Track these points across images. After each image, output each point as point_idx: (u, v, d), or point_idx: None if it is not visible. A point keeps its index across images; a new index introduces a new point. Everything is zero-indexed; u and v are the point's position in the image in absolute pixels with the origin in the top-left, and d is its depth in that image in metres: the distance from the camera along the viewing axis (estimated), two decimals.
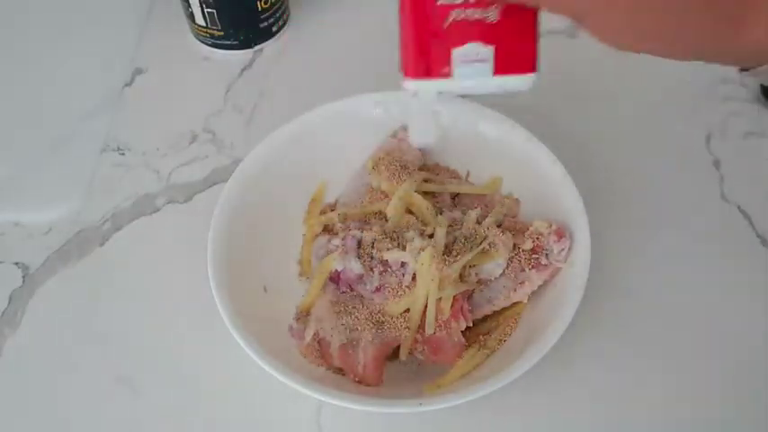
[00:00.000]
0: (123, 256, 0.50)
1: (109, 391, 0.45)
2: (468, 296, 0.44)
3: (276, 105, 0.58)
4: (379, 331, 0.43)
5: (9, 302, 0.48)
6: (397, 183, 0.47)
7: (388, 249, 0.43)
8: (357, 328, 0.42)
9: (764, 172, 0.52)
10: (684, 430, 0.43)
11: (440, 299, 0.42)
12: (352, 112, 0.50)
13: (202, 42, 0.61)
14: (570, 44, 0.60)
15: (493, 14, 0.34)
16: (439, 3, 0.34)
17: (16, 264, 0.50)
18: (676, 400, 0.43)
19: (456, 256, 0.43)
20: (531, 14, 0.35)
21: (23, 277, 0.49)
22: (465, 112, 0.49)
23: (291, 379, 0.39)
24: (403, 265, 0.43)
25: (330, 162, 0.50)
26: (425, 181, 0.48)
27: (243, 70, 0.60)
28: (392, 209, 0.46)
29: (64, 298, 0.49)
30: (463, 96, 0.46)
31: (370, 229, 0.45)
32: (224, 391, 0.44)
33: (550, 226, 0.44)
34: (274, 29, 0.61)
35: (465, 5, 0.34)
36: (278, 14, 0.61)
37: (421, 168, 0.50)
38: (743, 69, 0.36)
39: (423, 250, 0.42)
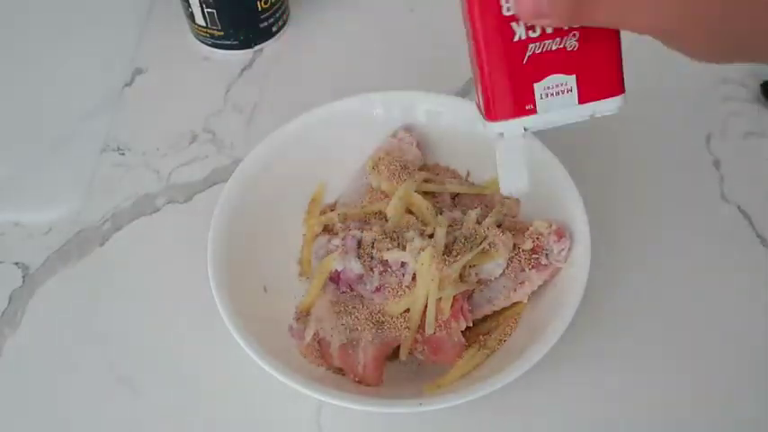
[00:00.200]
0: (123, 256, 0.50)
1: (109, 391, 0.45)
2: (468, 296, 0.44)
3: (276, 105, 0.58)
4: (379, 331, 0.43)
5: (9, 302, 0.48)
6: (397, 183, 0.47)
7: (388, 249, 0.43)
8: (357, 328, 0.42)
9: (764, 172, 0.52)
10: (684, 430, 0.43)
11: (440, 299, 0.42)
12: (352, 112, 0.50)
13: (202, 42, 0.61)
14: None
15: (572, 42, 0.33)
16: (515, 39, 0.32)
17: (16, 264, 0.50)
18: (676, 400, 0.43)
19: (456, 256, 0.43)
20: (612, 37, 0.33)
21: (23, 277, 0.49)
22: (465, 112, 0.49)
23: (291, 379, 0.39)
24: (403, 265, 0.43)
25: (330, 162, 0.50)
26: (425, 181, 0.48)
27: (243, 70, 0.60)
28: (392, 209, 0.46)
29: (64, 298, 0.49)
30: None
31: (370, 229, 0.45)
32: (224, 391, 0.44)
33: (550, 226, 0.44)
34: (274, 29, 0.61)
35: (542, 38, 0.33)
36: (278, 14, 0.61)
37: (421, 168, 0.50)
38: None
39: (423, 250, 0.42)
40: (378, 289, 0.43)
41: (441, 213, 0.46)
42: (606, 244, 0.45)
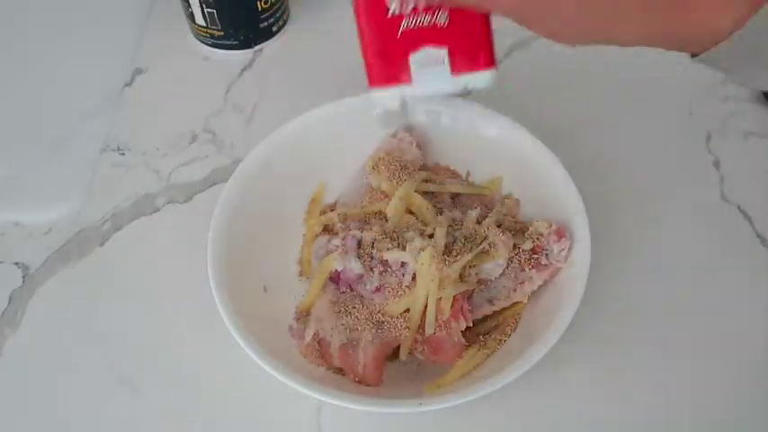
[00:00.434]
0: (123, 256, 0.50)
1: (109, 391, 0.45)
2: (468, 296, 0.44)
3: (276, 105, 0.58)
4: (379, 331, 0.43)
5: (9, 302, 0.48)
6: (397, 183, 0.47)
7: (388, 249, 0.43)
8: (357, 328, 0.42)
9: (764, 172, 0.52)
10: (684, 430, 0.43)
11: (440, 299, 0.42)
12: (352, 112, 0.50)
13: (202, 42, 0.61)
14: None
15: (442, 18, 0.36)
16: (389, 15, 0.36)
17: (16, 264, 0.50)
18: (676, 400, 0.43)
19: (456, 256, 0.43)
20: (481, 14, 0.36)
21: (23, 277, 0.49)
22: (465, 111, 0.49)
23: (291, 379, 0.39)
24: (403, 265, 0.43)
25: (330, 162, 0.50)
26: (425, 181, 0.48)
27: (243, 70, 0.60)
28: (392, 209, 0.46)
29: (64, 298, 0.49)
30: (463, 96, 0.47)
31: (370, 229, 0.45)
32: (224, 391, 0.44)
33: (550, 226, 0.44)
34: (274, 29, 0.61)
35: (414, 13, 0.36)
36: (278, 14, 0.61)
37: (421, 168, 0.50)
38: (693, 55, 0.36)
39: (423, 250, 0.42)
40: (378, 289, 0.43)
41: (441, 213, 0.46)
42: (606, 244, 0.45)
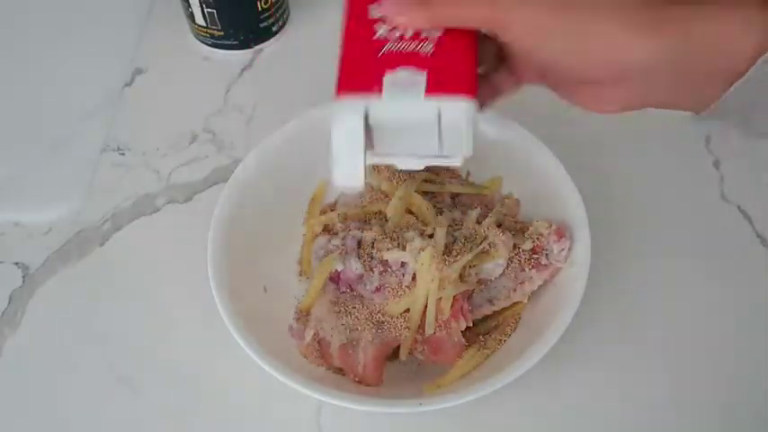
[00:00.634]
0: (123, 256, 0.50)
1: (109, 391, 0.45)
2: (468, 296, 0.44)
3: (276, 105, 0.58)
4: (379, 331, 0.43)
5: (9, 302, 0.48)
6: (397, 183, 0.47)
7: (388, 249, 0.43)
8: (357, 328, 0.42)
9: (764, 172, 0.52)
10: (684, 430, 0.43)
11: (440, 299, 0.42)
12: None
13: (202, 42, 0.61)
14: None
15: (428, 47, 0.35)
16: (375, 37, 0.35)
17: (16, 264, 0.50)
18: (676, 400, 0.43)
19: (456, 256, 0.43)
20: (469, 42, 0.35)
21: (23, 277, 0.49)
22: None
23: (291, 379, 0.39)
24: (403, 265, 0.43)
25: (330, 162, 0.50)
26: (425, 181, 0.48)
27: (243, 70, 0.60)
28: (392, 209, 0.46)
29: (64, 298, 0.49)
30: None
31: (370, 229, 0.45)
32: (224, 391, 0.44)
33: (550, 226, 0.44)
34: (274, 29, 0.61)
35: (400, 40, 0.35)
36: (278, 14, 0.61)
37: None
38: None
39: (423, 250, 0.42)
40: (378, 289, 0.43)
41: (441, 213, 0.46)
42: (606, 244, 0.45)
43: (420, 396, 0.40)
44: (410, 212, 0.47)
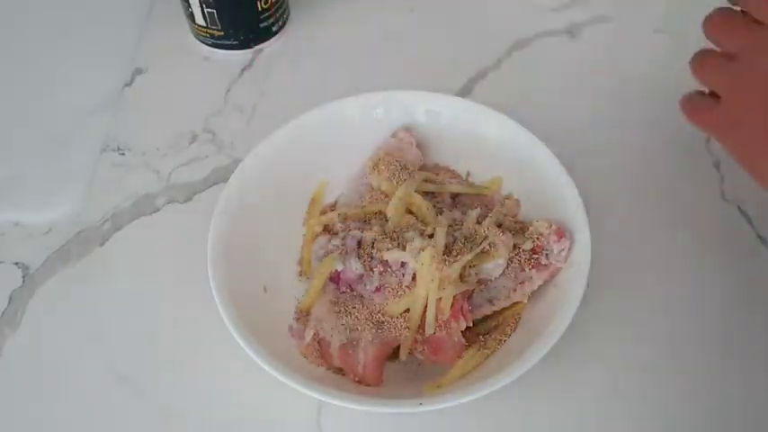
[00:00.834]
0: (123, 257, 0.50)
1: (109, 390, 0.45)
2: (468, 296, 0.44)
3: (276, 105, 0.58)
4: (379, 331, 0.43)
5: (9, 302, 0.48)
6: (397, 183, 0.47)
7: (388, 249, 0.43)
8: (357, 328, 0.43)
9: None
10: (685, 430, 0.43)
11: (440, 299, 0.42)
12: (352, 112, 0.50)
13: (202, 42, 0.61)
14: (570, 44, 0.60)
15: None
16: None
17: (16, 264, 0.50)
18: (676, 400, 0.43)
19: (456, 256, 0.43)
20: None
21: (23, 277, 0.49)
22: (465, 111, 0.49)
23: (291, 379, 0.39)
24: (403, 265, 0.43)
25: (330, 162, 0.50)
26: (425, 181, 0.48)
27: (243, 70, 0.61)
28: (392, 209, 0.46)
29: (64, 298, 0.49)
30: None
31: (370, 229, 0.45)
32: (224, 391, 0.44)
33: (550, 226, 0.44)
34: (274, 29, 0.61)
35: None
36: (278, 14, 0.61)
37: (421, 168, 0.50)
38: None
39: (423, 250, 0.42)
40: (378, 289, 0.43)
41: (441, 213, 0.46)
42: (606, 244, 0.45)
43: (420, 396, 0.40)
44: (410, 212, 0.47)
